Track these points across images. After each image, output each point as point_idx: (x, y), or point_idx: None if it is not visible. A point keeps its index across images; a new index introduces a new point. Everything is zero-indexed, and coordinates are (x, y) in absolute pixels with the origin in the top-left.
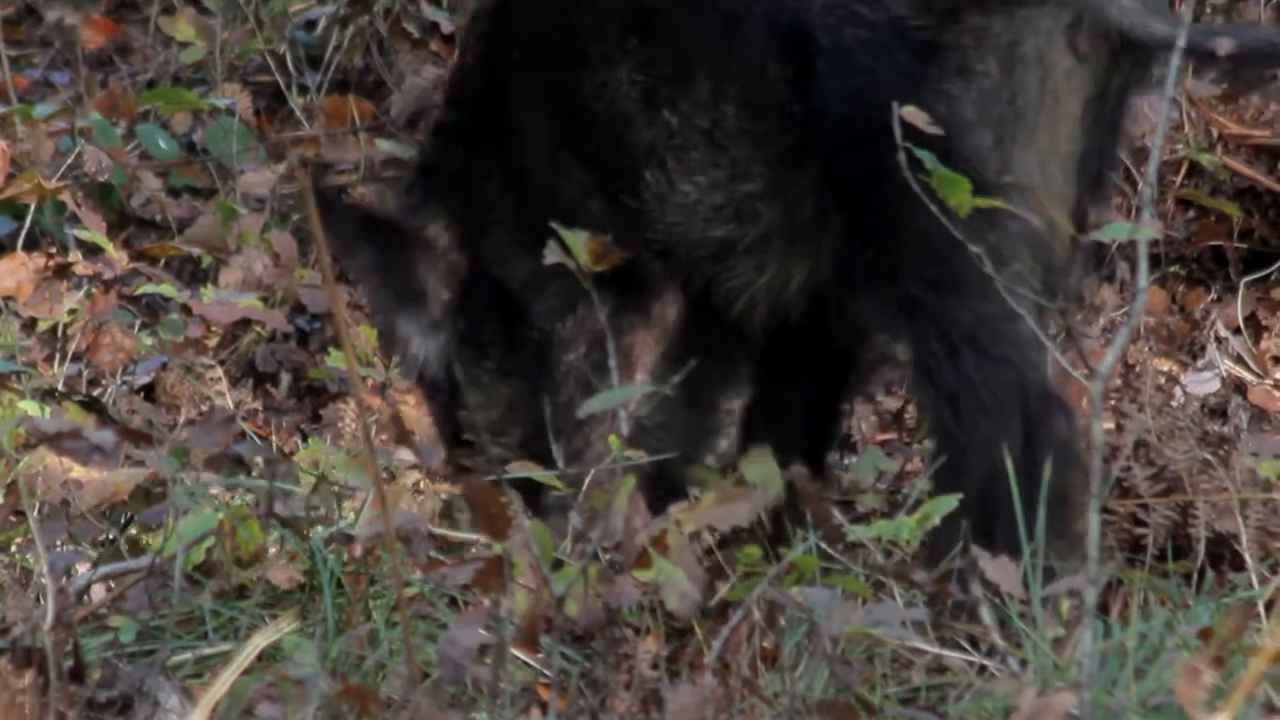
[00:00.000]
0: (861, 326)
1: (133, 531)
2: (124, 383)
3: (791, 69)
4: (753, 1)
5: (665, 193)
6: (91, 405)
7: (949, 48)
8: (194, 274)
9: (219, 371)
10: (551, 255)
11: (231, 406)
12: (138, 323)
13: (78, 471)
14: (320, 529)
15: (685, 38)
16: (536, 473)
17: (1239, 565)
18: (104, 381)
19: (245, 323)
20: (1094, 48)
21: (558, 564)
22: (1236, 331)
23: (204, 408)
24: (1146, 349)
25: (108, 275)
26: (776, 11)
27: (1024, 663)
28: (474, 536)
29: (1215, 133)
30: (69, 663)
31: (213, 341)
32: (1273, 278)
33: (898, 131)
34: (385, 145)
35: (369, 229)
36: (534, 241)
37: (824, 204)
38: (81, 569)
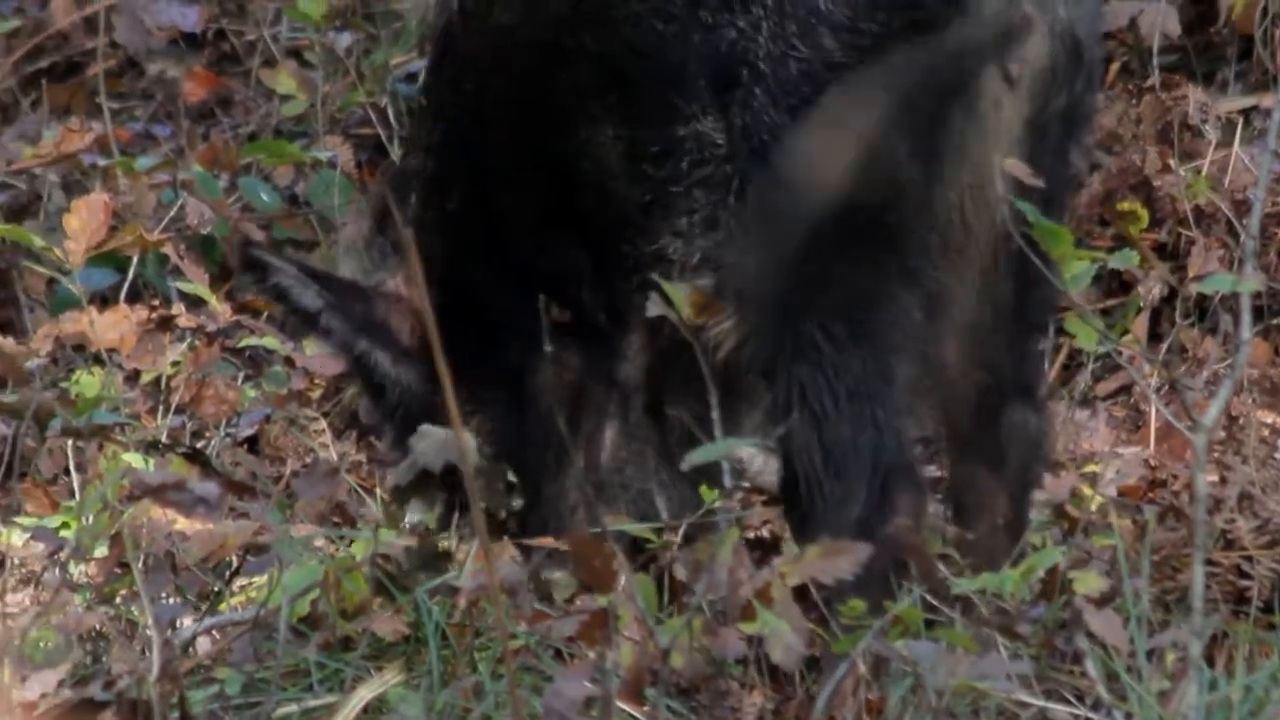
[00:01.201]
0: (742, 362)
1: (238, 584)
2: (227, 435)
3: (722, 103)
4: (696, 43)
5: (648, 245)
6: (195, 457)
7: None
8: (297, 326)
9: (323, 424)
10: (654, 308)
11: (335, 459)
12: (241, 375)
13: (182, 523)
14: (425, 580)
15: (651, 92)
16: (633, 526)
17: None
18: (207, 434)
19: (348, 375)
20: (1023, 71)
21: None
22: None
23: (308, 460)
24: (1250, 401)
25: (211, 327)
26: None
27: (1129, 716)
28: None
29: None
30: (175, 715)
31: (316, 394)
32: None
33: (1000, 185)
34: None
35: (311, 276)
36: (514, 287)
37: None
38: (187, 621)
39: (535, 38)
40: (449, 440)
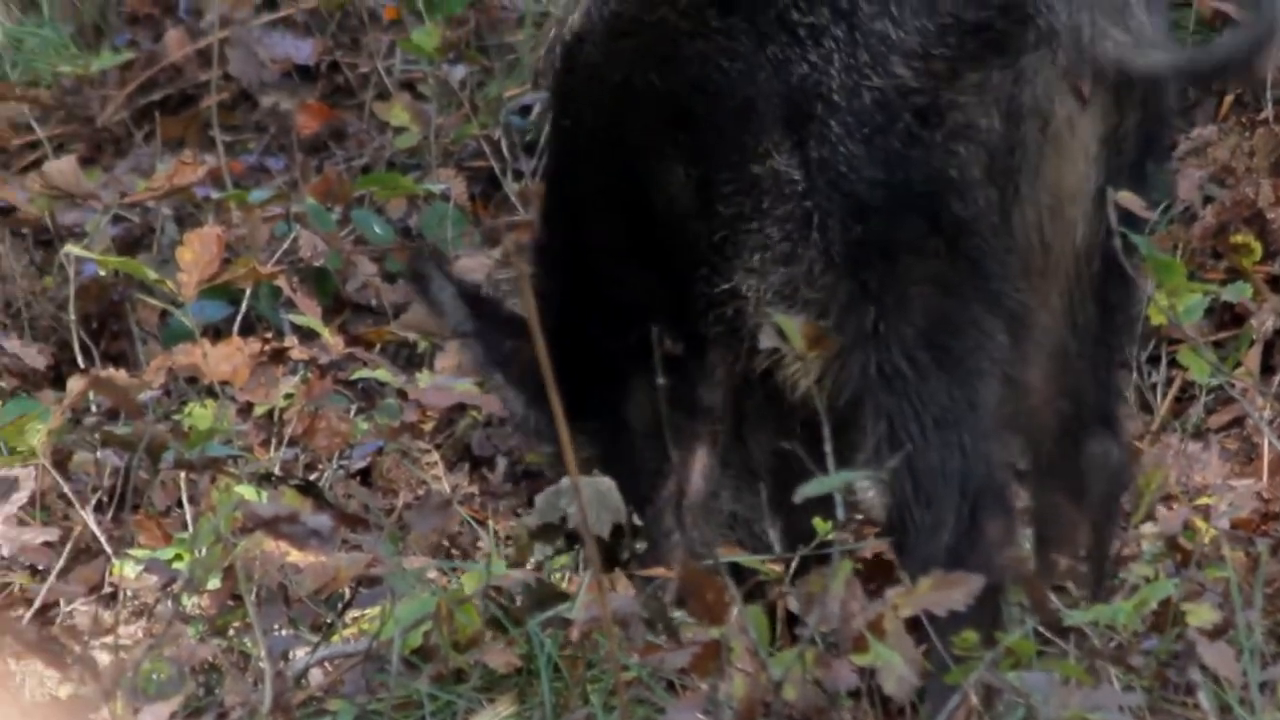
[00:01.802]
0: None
1: (350, 616)
2: (340, 467)
3: (797, 138)
4: (764, 81)
5: (723, 282)
6: (308, 490)
7: (950, 108)
8: (410, 359)
9: (435, 456)
10: (767, 340)
11: (448, 491)
12: (354, 407)
13: (295, 556)
14: (538, 613)
15: (721, 130)
16: (747, 558)
17: None
18: (320, 466)
19: (461, 407)
20: (1096, 88)
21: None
22: None
23: (420, 492)
24: None
25: (323, 360)
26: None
27: None
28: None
29: None
30: None
31: (429, 426)
32: None
33: (1113, 217)
34: None
35: (467, 298)
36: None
37: (836, 269)
38: (300, 653)
39: (611, 76)
40: (568, 489)
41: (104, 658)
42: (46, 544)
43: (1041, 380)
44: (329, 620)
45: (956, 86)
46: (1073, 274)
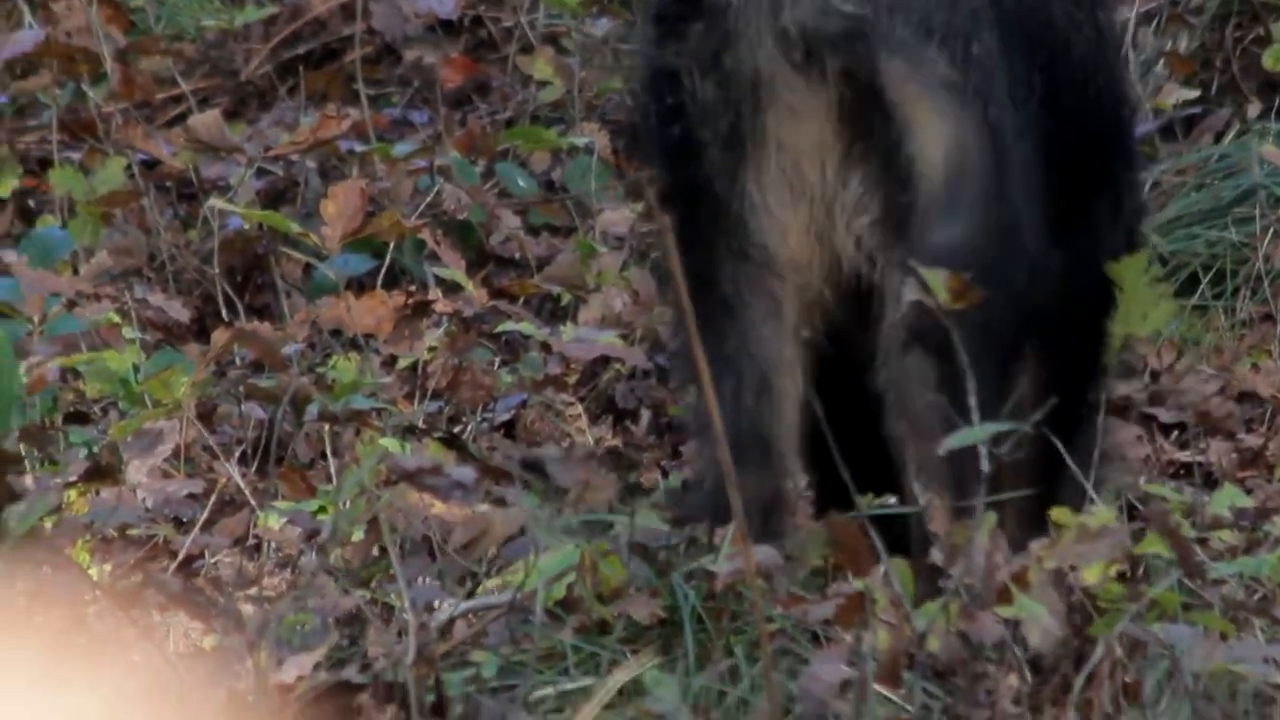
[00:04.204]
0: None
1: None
2: (484, 420)
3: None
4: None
5: None
6: (451, 442)
7: None
8: (553, 311)
9: (579, 408)
10: (910, 293)
11: (591, 443)
12: (497, 360)
13: (438, 508)
14: (682, 564)
15: None
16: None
17: None
18: (464, 419)
19: (604, 360)
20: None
21: (919, 600)
22: None
23: (564, 444)
24: None
25: (467, 313)
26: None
27: None
28: None
29: None
30: (431, 698)
31: (572, 379)
32: None
33: None
34: None
35: None
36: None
37: None
38: (444, 605)
39: None
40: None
41: (248, 609)
42: (191, 496)
43: None
44: (473, 572)
45: None
46: None
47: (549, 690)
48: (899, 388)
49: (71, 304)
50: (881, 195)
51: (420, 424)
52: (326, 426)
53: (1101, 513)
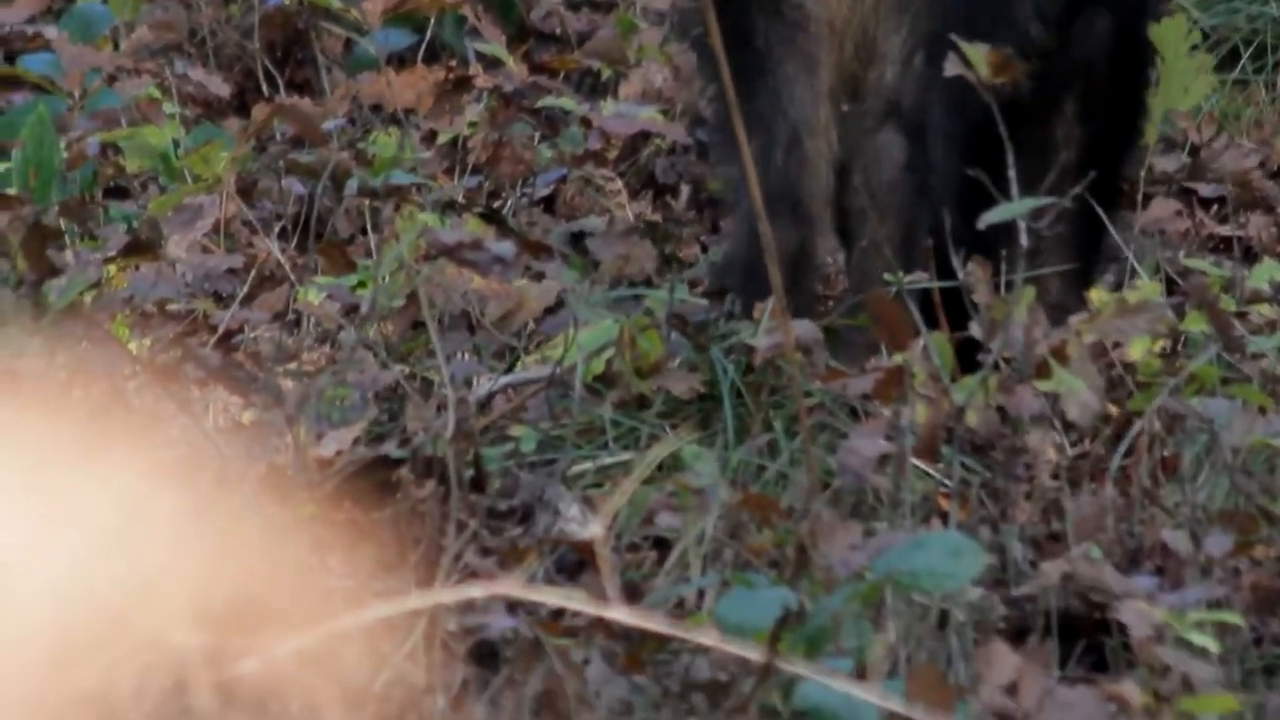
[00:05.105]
0: None
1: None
2: (523, 195)
3: None
4: None
5: None
6: (491, 217)
7: None
8: (594, 87)
9: (618, 184)
10: (951, 68)
11: (631, 218)
12: (537, 135)
13: (477, 283)
14: (720, 338)
15: None
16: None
17: None
18: (503, 193)
19: (645, 135)
20: None
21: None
22: None
23: (604, 219)
24: None
25: (508, 88)
26: None
27: None
28: None
29: None
30: (470, 472)
31: (612, 154)
32: None
33: None
34: None
35: None
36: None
37: None
38: (482, 379)
39: None
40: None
41: (287, 384)
42: (230, 271)
43: None
44: (512, 347)
45: None
46: None
47: (588, 465)
48: (867, 163)
49: (112, 79)
50: None
51: (460, 199)
52: (366, 201)
53: (1146, 285)
